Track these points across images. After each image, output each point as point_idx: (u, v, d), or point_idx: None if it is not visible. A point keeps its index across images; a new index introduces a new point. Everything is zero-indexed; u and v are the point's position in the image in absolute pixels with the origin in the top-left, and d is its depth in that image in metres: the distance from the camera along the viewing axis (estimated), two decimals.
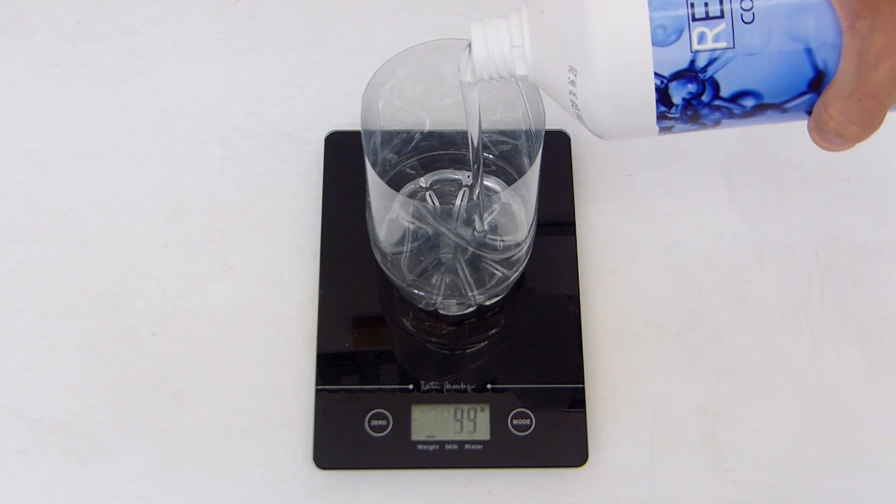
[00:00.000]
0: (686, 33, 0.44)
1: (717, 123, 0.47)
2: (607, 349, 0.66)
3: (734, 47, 0.44)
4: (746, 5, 0.44)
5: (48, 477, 0.62)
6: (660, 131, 0.48)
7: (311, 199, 0.70)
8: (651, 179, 0.71)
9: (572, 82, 0.47)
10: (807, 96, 0.46)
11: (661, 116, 0.46)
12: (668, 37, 0.44)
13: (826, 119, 0.45)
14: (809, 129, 0.47)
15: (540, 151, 0.58)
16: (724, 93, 0.45)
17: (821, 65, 0.44)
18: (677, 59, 0.44)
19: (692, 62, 0.44)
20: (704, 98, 0.45)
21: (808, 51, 0.44)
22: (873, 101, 0.43)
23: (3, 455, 0.63)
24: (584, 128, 0.51)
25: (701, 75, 0.44)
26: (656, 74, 0.45)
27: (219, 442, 0.63)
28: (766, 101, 0.46)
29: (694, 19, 0.44)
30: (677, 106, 0.46)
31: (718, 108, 0.46)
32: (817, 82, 0.45)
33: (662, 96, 0.45)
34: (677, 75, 0.44)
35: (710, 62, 0.44)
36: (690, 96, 0.45)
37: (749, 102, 0.46)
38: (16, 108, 0.73)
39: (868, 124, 0.44)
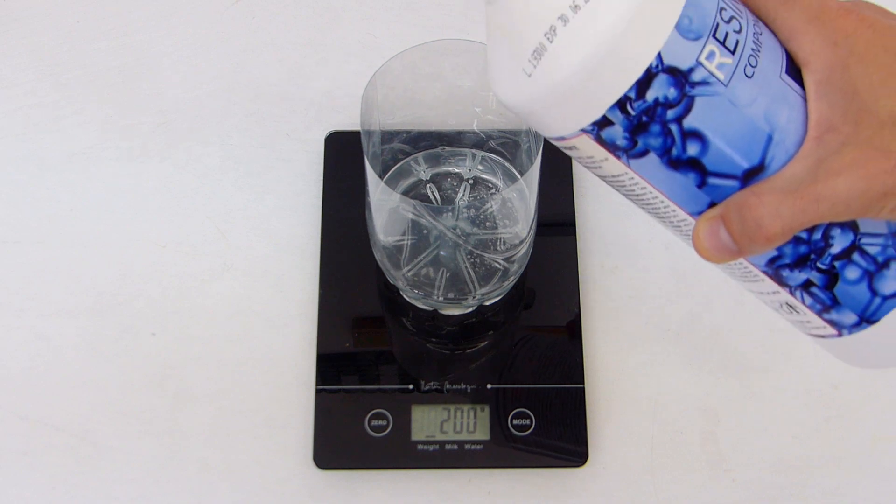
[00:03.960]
0: (703, 41, 0.43)
1: (644, 154, 0.44)
2: (607, 349, 0.66)
3: (726, 86, 0.43)
4: (753, 62, 0.43)
5: (48, 477, 0.62)
6: (589, 126, 0.44)
7: (311, 199, 0.70)
8: None
9: (563, 18, 0.42)
10: (731, 182, 0.44)
11: (620, 102, 0.43)
12: (689, 31, 0.43)
13: (753, 204, 0.43)
14: (707, 218, 0.45)
15: (540, 150, 0.58)
16: (688, 121, 0.43)
17: (767, 158, 0.43)
18: (682, 56, 0.43)
19: (691, 70, 0.43)
20: (671, 113, 0.43)
21: (769, 138, 0.43)
22: (814, 206, 0.42)
23: (3, 455, 0.63)
24: None
25: (687, 88, 0.43)
26: (658, 55, 0.43)
27: (219, 442, 0.63)
28: (705, 160, 0.44)
29: (714, 35, 0.43)
30: (644, 101, 0.43)
31: (669, 133, 0.44)
32: (750, 174, 0.44)
33: (643, 82, 0.43)
34: (672, 70, 0.43)
35: (702, 83, 0.43)
36: (664, 101, 0.43)
37: (693, 149, 0.44)
38: (16, 108, 0.73)
39: (790, 227, 0.42)
